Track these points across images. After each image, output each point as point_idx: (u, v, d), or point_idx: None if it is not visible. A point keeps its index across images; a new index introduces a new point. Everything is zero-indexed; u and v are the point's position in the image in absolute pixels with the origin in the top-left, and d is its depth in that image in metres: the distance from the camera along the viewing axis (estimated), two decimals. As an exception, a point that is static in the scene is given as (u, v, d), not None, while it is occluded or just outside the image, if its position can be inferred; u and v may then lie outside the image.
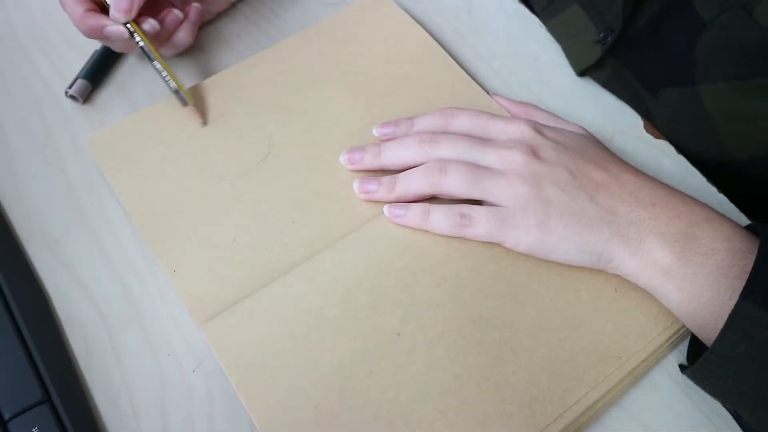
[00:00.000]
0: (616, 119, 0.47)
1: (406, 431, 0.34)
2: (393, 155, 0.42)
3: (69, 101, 0.47)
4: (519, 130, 0.40)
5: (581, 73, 0.49)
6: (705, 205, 0.37)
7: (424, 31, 0.49)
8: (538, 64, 0.49)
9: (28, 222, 0.42)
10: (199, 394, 0.37)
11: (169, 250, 0.40)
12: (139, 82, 0.48)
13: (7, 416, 0.35)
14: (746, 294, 0.32)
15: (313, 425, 0.34)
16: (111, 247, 0.41)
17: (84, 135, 0.45)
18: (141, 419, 0.36)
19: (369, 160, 0.42)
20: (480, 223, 0.38)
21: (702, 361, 0.34)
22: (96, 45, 0.49)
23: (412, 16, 0.51)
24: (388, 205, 0.40)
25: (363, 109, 0.46)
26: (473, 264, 0.39)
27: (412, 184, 0.40)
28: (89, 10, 0.44)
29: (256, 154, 0.43)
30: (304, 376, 0.35)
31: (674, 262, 0.35)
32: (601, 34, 0.47)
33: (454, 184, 0.39)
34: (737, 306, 0.32)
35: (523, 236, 0.37)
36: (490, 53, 0.50)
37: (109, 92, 0.48)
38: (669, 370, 0.37)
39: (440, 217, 0.39)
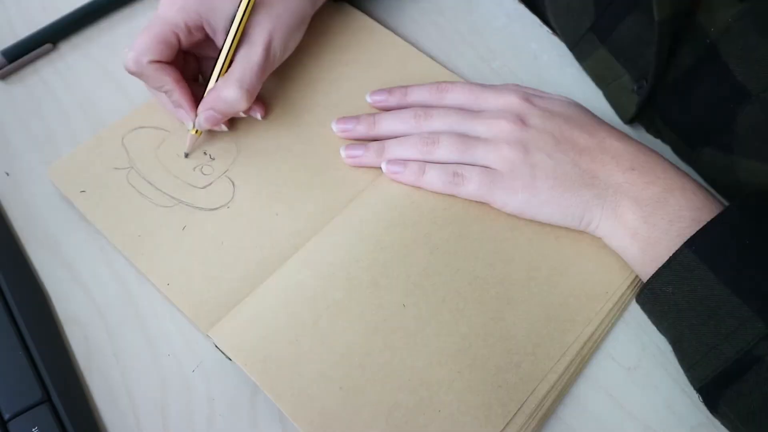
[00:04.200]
0: (616, 119, 0.47)
1: (429, 394, 0.35)
2: (388, 127, 0.43)
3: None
4: (508, 101, 0.42)
5: (630, 121, 0.46)
6: (685, 175, 0.38)
7: (370, 19, 0.50)
8: (538, 64, 0.49)
9: (28, 222, 0.42)
10: (199, 394, 0.37)
11: (158, 265, 0.40)
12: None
13: (7, 416, 0.35)
14: (690, 243, 0.34)
15: (342, 405, 0.35)
16: (111, 247, 0.41)
17: (84, 135, 0.45)
18: (141, 419, 0.36)
19: (362, 130, 0.44)
20: (471, 182, 0.40)
21: (639, 293, 0.37)
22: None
23: (412, 17, 0.51)
24: (386, 161, 0.42)
25: (327, 101, 0.46)
26: (460, 229, 0.40)
27: (403, 151, 0.42)
28: (157, 61, 0.40)
29: (225, 158, 0.43)
30: (322, 361, 0.36)
31: (641, 225, 0.37)
32: (636, 85, 0.44)
33: (445, 154, 0.41)
34: (678, 251, 0.34)
35: (510, 197, 0.39)
36: (490, 53, 0.50)
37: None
38: (669, 370, 0.37)
39: (434, 175, 0.41)
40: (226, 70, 0.42)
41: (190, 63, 0.45)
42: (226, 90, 0.41)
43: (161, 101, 0.44)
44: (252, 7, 0.41)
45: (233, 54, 0.42)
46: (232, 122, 0.45)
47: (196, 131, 0.43)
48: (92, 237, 0.41)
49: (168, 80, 0.41)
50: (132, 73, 0.41)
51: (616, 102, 0.47)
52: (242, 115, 0.44)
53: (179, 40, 0.41)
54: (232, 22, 0.40)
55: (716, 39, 0.37)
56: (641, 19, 0.42)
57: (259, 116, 0.44)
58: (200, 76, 0.46)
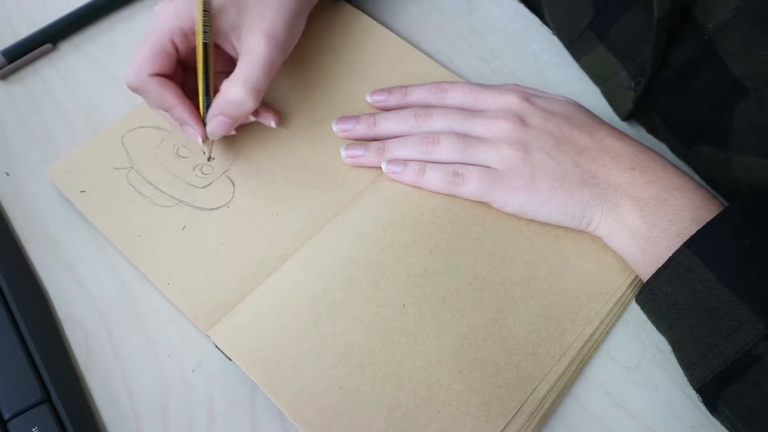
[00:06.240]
0: (616, 120, 0.47)
1: (429, 394, 0.35)
2: (388, 127, 0.43)
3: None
4: (508, 101, 0.42)
5: (626, 118, 0.46)
6: (684, 174, 0.38)
7: (370, 19, 0.50)
8: (538, 64, 0.49)
9: (28, 222, 0.42)
10: (199, 394, 0.37)
11: (158, 265, 0.40)
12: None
13: (7, 416, 0.35)
14: (689, 243, 0.34)
15: (342, 405, 0.35)
16: (111, 247, 0.41)
17: (84, 135, 0.45)
18: (141, 419, 0.36)
19: (362, 130, 0.44)
20: (471, 182, 0.40)
21: (638, 293, 0.37)
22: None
23: (412, 17, 0.51)
24: (386, 161, 0.42)
25: (327, 101, 0.46)
26: (460, 229, 0.40)
27: (403, 151, 0.42)
28: (156, 75, 0.39)
29: (225, 158, 0.43)
30: (322, 361, 0.36)
31: (641, 224, 0.37)
32: (632, 82, 0.44)
33: (445, 153, 0.41)
34: (678, 251, 0.34)
35: (510, 196, 0.39)
36: (490, 53, 0.50)
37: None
38: (669, 370, 0.37)
39: (434, 175, 0.41)
40: (206, 68, 0.41)
41: (191, 79, 0.44)
42: (231, 90, 0.39)
43: (167, 120, 0.43)
44: (243, 4, 0.40)
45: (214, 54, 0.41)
46: None
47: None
48: (92, 237, 0.41)
49: (169, 96, 0.40)
50: (134, 89, 0.40)
51: (613, 99, 0.47)
52: (252, 119, 0.43)
53: (176, 48, 0.40)
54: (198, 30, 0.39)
55: (713, 35, 0.37)
56: (639, 15, 0.42)
57: (273, 124, 0.44)
58: None
